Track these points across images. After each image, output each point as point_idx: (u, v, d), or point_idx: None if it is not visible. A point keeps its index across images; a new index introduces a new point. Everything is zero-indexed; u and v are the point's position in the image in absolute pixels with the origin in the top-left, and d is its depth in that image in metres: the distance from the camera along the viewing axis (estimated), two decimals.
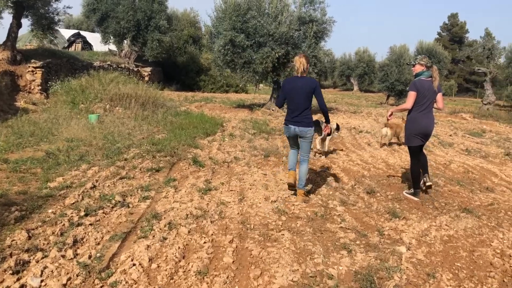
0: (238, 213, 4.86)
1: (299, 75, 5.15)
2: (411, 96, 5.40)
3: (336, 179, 6.71)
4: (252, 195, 5.51)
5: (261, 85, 29.53)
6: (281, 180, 6.42)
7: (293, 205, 5.25)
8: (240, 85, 23.13)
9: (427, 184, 5.90)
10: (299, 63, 5.09)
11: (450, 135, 13.31)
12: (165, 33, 24.94)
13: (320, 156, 8.58)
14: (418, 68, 5.51)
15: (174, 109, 14.41)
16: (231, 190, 5.71)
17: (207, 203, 5.15)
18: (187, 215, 4.71)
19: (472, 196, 6.27)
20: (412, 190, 5.88)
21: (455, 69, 53.03)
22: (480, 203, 5.90)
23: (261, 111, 17.08)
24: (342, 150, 9.61)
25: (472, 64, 57.87)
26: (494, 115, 19.85)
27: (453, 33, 58.76)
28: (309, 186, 6.16)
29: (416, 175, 5.76)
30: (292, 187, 5.43)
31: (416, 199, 5.75)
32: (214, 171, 6.88)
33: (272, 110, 17.41)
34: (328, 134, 8.83)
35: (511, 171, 8.36)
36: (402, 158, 9.01)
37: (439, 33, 60.77)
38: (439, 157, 9.27)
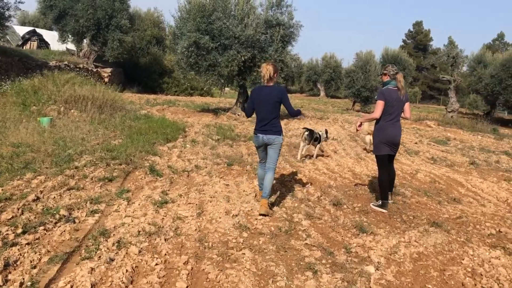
0: (195, 229, 4.53)
1: (265, 82, 5.09)
2: (379, 105, 5.38)
3: (302, 189, 6.50)
4: (212, 209, 5.19)
5: (227, 88, 29.26)
6: (244, 191, 6.13)
7: (256, 219, 4.98)
8: (205, 89, 22.77)
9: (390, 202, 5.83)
10: (266, 70, 5.01)
11: (416, 143, 13.45)
12: (127, 32, 24.30)
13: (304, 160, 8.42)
14: (384, 78, 5.53)
15: (134, 112, 13.88)
16: (189, 203, 5.37)
17: (162, 218, 4.80)
18: (139, 231, 4.34)
19: (440, 208, 6.20)
20: (380, 202, 5.80)
21: (419, 76, 54.65)
22: (449, 215, 5.83)
23: (227, 115, 16.77)
24: (328, 156, 9.49)
25: (436, 72, 59.88)
26: (458, 123, 20.33)
27: (418, 40, 60.59)
28: (273, 198, 5.92)
29: (384, 185, 5.69)
30: (265, 216, 5.08)
31: (384, 211, 5.66)
32: (173, 181, 6.52)
33: (238, 115, 17.14)
34: (315, 140, 8.98)
35: (477, 181, 8.42)
36: (368, 167, 8.93)
37: (404, 41, 62.51)
38: (405, 166, 9.26)
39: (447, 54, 22.58)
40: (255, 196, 5.83)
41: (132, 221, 4.65)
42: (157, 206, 5.16)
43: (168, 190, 5.97)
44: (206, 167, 7.47)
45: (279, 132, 5.10)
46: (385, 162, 5.63)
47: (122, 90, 24.30)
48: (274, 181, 6.02)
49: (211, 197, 5.65)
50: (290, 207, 5.58)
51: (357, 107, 30.26)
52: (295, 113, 5.19)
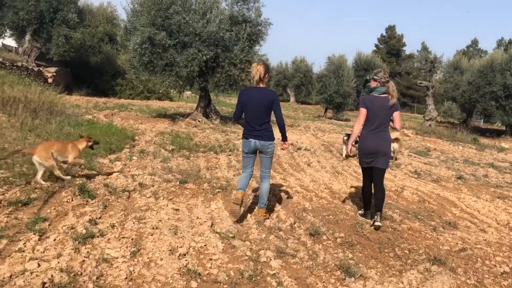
0: (125, 278, 3.50)
1: (255, 84, 5.03)
2: (361, 113, 5.29)
3: (271, 214, 5.58)
4: (153, 246, 4.16)
5: (188, 92, 28.14)
6: (198, 218, 5.13)
7: (211, 259, 3.99)
8: (161, 91, 21.61)
9: (376, 224, 5.38)
10: (256, 70, 4.96)
11: (396, 159, 12.81)
12: (75, 28, 22.89)
13: None
14: (372, 84, 5.37)
15: (76, 117, 12.62)
16: (123, 237, 4.32)
17: (83, 260, 3.73)
18: (44, 284, 3.28)
19: (437, 237, 5.40)
20: (363, 211, 5.82)
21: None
22: (449, 247, 5.03)
23: (185, 122, 15.74)
24: (301, 170, 8.55)
25: (410, 78, 60.93)
26: (436, 132, 20.11)
27: (391, 45, 61.42)
28: (233, 226, 4.95)
29: (366, 196, 5.69)
30: (238, 205, 5.05)
31: (367, 220, 5.62)
32: (107, 204, 5.43)
33: (199, 121, 16.16)
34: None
35: (470, 199, 7.76)
36: (347, 182, 8.13)
37: (376, 45, 63.25)
38: (388, 182, 8.51)
39: (424, 59, 22.39)
40: (211, 226, 4.85)
41: (38, 266, 3.56)
42: (79, 242, 4.09)
43: (99, 217, 4.89)
44: (153, 186, 6.42)
45: (272, 137, 5.07)
46: (367, 174, 5.55)
47: (69, 93, 22.84)
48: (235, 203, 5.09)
49: (154, 228, 4.61)
50: (256, 240, 4.62)
51: (329, 113, 29.85)
52: (282, 124, 5.07)
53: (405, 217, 6.15)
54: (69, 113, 12.86)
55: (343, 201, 6.62)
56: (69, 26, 22.11)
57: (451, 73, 27.64)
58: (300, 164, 9.82)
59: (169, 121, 16.00)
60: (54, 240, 4.13)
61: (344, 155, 11.37)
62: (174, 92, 19.95)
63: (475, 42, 58.59)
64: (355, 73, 32.66)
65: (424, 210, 6.78)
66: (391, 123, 5.40)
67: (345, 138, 10.78)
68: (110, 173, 6.97)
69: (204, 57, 14.43)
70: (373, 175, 5.47)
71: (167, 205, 5.47)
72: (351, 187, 7.79)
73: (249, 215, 5.50)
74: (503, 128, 29.30)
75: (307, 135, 15.99)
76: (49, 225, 4.57)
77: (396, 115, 5.35)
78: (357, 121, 5.33)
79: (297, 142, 13.31)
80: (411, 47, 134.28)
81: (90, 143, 6.60)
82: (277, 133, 5.19)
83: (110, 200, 5.61)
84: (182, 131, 13.34)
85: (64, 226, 4.51)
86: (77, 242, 4.09)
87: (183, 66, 14.47)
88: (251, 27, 15.50)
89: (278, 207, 5.91)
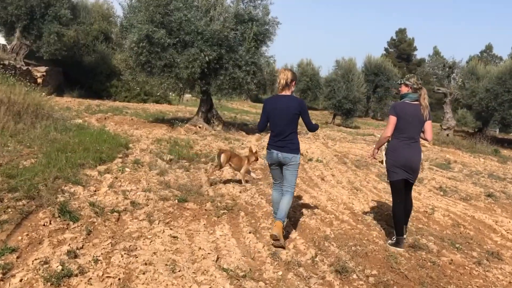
0: None
1: (280, 90, 4.91)
2: (391, 121, 5.12)
3: (289, 243, 4.88)
4: None
5: (188, 95, 27.52)
6: (200, 249, 4.42)
7: None
8: (159, 93, 20.94)
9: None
10: (283, 75, 4.87)
11: None
12: (68, 25, 22.33)
13: None
14: (403, 89, 5.23)
15: (65, 122, 11.94)
16: (108, 276, 3.60)
17: None
18: None
19: (485, 274, 4.70)
20: (394, 239, 5.27)
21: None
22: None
23: (185, 128, 15.07)
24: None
25: (423, 84, 60.28)
26: (455, 142, 19.44)
27: (401, 49, 60.88)
28: (243, 260, 4.25)
29: (398, 219, 5.21)
30: (277, 240, 4.71)
31: (399, 249, 5.11)
32: (92, 229, 4.73)
33: (199, 127, 15.49)
34: None
35: (509, 223, 7.06)
36: (369, 201, 7.43)
37: (386, 49, 62.79)
38: (415, 201, 7.78)
39: (442, 64, 21.74)
40: (216, 260, 4.14)
41: None
42: (52, 284, 3.39)
43: (81, 247, 4.18)
44: (147, 205, 5.72)
45: (296, 150, 4.94)
46: (400, 190, 5.22)
47: (60, 94, 22.22)
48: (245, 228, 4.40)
49: (146, 264, 3.89)
50: (272, 280, 3.92)
51: (338, 120, 29.19)
52: (315, 129, 5.13)
53: (442, 246, 5.46)
54: (57, 116, 12.18)
55: (368, 226, 5.93)
56: (62, 23, 21.50)
57: (467, 79, 26.97)
58: (313, 178, 9.12)
59: (167, 127, 15.33)
60: (21, 280, 3.43)
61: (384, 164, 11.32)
62: (173, 95, 19.30)
63: (489, 48, 57.93)
64: (365, 78, 32.03)
65: (461, 237, 6.10)
66: (422, 134, 5.22)
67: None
68: (98, 189, 6.28)
69: (206, 57, 13.79)
70: (406, 188, 5.29)
71: (163, 231, 4.76)
72: (374, 207, 7.09)
73: (261, 244, 4.79)
74: None
75: (317, 144, 15.29)
76: (17, 258, 3.87)
77: (428, 125, 5.16)
78: (386, 129, 5.16)
79: (307, 152, 12.62)
80: (422, 52, 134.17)
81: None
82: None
83: (96, 224, 4.91)
84: (181, 138, 12.66)
85: (36, 259, 3.81)
86: (49, 284, 3.39)
87: (183, 67, 13.84)
88: (257, 26, 14.85)
89: (294, 234, 5.20)
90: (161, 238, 4.58)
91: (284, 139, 4.90)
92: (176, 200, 5.99)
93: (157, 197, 6.10)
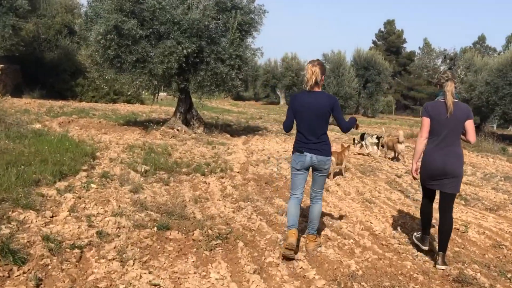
0: None
1: (308, 88, 4.79)
2: (424, 124, 4.93)
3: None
4: None
5: (163, 93, 26.47)
6: None
7: None
8: (130, 92, 19.90)
9: (439, 267, 4.76)
10: (311, 71, 4.73)
11: None
12: (26, 18, 21.12)
13: None
14: (439, 87, 5.04)
15: (20, 127, 10.83)
16: None
17: None
18: None
19: None
20: (420, 234, 5.34)
21: (393, 83, 54.24)
22: None
23: (161, 131, 14.06)
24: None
25: (411, 78, 60.22)
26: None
27: (390, 42, 60.76)
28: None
29: (426, 218, 5.25)
30: (291, 250, 4.55)
31: (424, 248, 5.16)
32: (44, 277, 3.72)
33: (177, 130, 14.51)
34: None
35: None
36: (387, 217, 6.59)
37: (374, 42, 62.60)
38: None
39: (443, 55, 21.16)
40: None
41: None
42: None
43: None
44: (119, 236, 4.73)
45: (330, 152, 4.91)
46: (429, 192, 5.18)
47: (18, 94, 21.00)
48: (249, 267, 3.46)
49: None
50: None
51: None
52: (349, 127, 4.97)
53: (493, 278, 4.63)
54: (10, 121, 11.06)
55: (398, 253, 5.05)
56: (18, 15, 20.30)
57: (465, 72, 26.58)
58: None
59: (141, 130, 14.30)
60: None
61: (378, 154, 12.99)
62: (147, 93, 18.27)
63: (482, 39, 57.94)
64: (355, 72, 31.46)
65: (506, 261, 5.30)
66: (462, 136, 4.94)
67: (373, 140, 12.95)
68: (56, 214, 5.26)
69: (184, 51, 12.86)
70: (440, 201, 5.05)
71: (140, 277, 3.77)
72: (395, 225, 6.24)
73: (269, 279, 3.85)
74: None
75: None
76: None
77: (469, 124, 4.85)
78: (420, 134, 4.94)
79: None
80: (411, 44, 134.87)
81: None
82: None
83: (50, 267, 3.90)
84: (157, 144, 11.65)
85: None
86: None
87: (158, 62, 12.90)
88: (242, 15, 13.99)
89: (311, 271, 4.25)
90: (137, 285, 3.60)
91: (317, 141, 4.77)
92: (156, 228, 5.00)
93: (131, 223, 5.10)
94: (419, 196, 8.48)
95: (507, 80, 25.41)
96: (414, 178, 5.18)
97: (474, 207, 8.15)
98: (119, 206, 5.73)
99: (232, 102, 41.22)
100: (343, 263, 4.47)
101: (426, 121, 4.85)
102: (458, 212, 7.43)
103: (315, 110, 4.74)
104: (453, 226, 6.32)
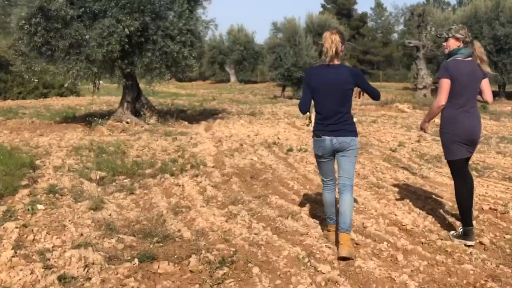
0: None
1: (328, 60, 4.39)
2: (444, 85, 4.74)
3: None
4: None
5: (102, 81, 25.11)
6: None
7: None
8: (66, 84, 18.53)
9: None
10: (330, 41, 4.34)
11: (418, 141, 10.85)
12: None
13: None
14: (452, 44, 4.93)
15: None
16: None
17: None
18: None
19: None
20: (461, 230, 4.82)
21: (348, 48, 54.27)
22: None
23: (108, 125, 13.00)
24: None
25: (366, 42, 60.46)
26: None
27: (340, 4, 60.75)
28: None
29: (466, 205, 4.83)
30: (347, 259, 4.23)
31: (469, 243, 4.63)
32: None
33: (127, 122, 13.48)
34: None
35: None
36: (408, 204, 5.89)
37: (323, 6, 62.34)
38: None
39: (410, 12, 20.90)
40: None
41: None
42: None
43: None
44: (90, 278, 3.73)
45: (354, 131, 4.57)
46: (464, 169, 4.95)
47: None
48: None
49: None
50: None
51: (289, 92, 27.93)
52: (379, 95, 4.73)
53: None
54: None
55: (448, 254, 4.33)
56: None
57: (435, 28, 26.59)
58: (309, 176, 7.45)
59: (83, 127, 13.18)
60: None
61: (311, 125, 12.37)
62: (86, 82, 17.01)
63: None
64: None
65: None
66: (479, 97, 4.96)
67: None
68: None
69: (126, 29, 11.94)
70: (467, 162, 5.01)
71: None
72: (419, 213, 5.55)
73: None
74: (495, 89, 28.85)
75: (283, 125, 13.76)
76: None
77: (486, 84, 4.92)
78: (439, 97, 4.77)
79: (278, 139, 10.97)
80: (362, 5, 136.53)
81: None
82: None
83: None
84: (107, 141, 10.59)
85: None
86: None
87: (96, 45, 11.95)
88: None
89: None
90: None
91: (337, 122, 4.45)
92: (137, 260, 4.03)
93: (102, 256, 4.10)
94: (425, 171, 7.98)
95: (473, 34, 25.38)
96: (424, 131, 5.23)
97: (489, 177, 7.63)
98: (81, 233, 4.71)
99: (177, 84, 39.88)
100: (396, 280, 3.67)
101: (447, 83, 4.66)
102: (478, 186, 6.84)
103: (337, 86, 4.43)
104: (489, 207, 5.79)
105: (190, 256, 4.06)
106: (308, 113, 14.30)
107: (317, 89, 4.48)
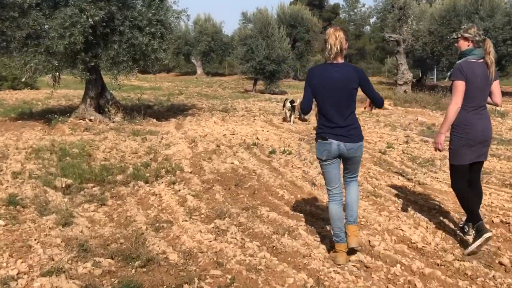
0: None
1: (331, 58, 4.34)
2: (459, 87, 4.71)
3: None
4: None
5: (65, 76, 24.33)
6: None
7: None
8: (24, 79, 17.72)
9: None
10: (334, 38, 4.32)
11: (406, 142, 10.69)
12: None
13: None
14: (462, 44, 4.94)
15: None
16: None
17: None
18: None
19: None
20: (474, 230, 4.74)
21: (320, 41, 54.40)
22: None
23: (70, 123, 12.45)
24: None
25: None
26: (418, 99, 18.71)
27: None
28: None
29: (473, 205, 4.90)
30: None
31: (488, 234, 4.57)
32: None
33: (90, 120, 12.92)
34: None
35: None
36: (412, 217, 5.65)
37: None
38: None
39: (391, 5, 20.80)
40: None
41: None
42: None
43: None
44: None
45: (361, 135, 4.57)
46: (466, 173, 4.96)
47: None
48: None
49: None
50: None
51: (261, 86, 27.59)
52: (383, 102, 4.77)
53: None
54: None
55: (469, 278, 4.07)
56: None
57: (416, 22, 26.68)
58: (297, 183, 7.15)
59: (42, 125, 12.56)
60: None
61: (291, 122, 13.50)
62: (42, 77, 16.23)
63: None
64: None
65: None
66: (489, 99, 4.98)
67: (288, 105, 13.40)
68: None
69: (90, 19, 11.39)
70: (471, 173, 4.99)
71: None
72: (427, 227, 5.31)
73: None
74: None
75: (260, 123, 13.44)
76: None
77: (496, 86, 4.95)
78: (454, 100, 4.72)
79: (257, 139, 10.63)
80: None
81: None
82: None
83: None
84: (70, 142, 10.05)
85: None
86: None
87: (56, 36, 11.37)
88: None
89: None
90: None
91: (344, 124, 4.42)
92: None
93: (77, 286, 3.69)
94: (421, 177, 7.79)
95: (451, 28, 25.52)
96: (439, 150, 5.04)
97: (489, 183, 7.46)
98: (50, 256, 4.26)
99: (139, 76, 38.89)
100: None
101: (462, 85, 4.65)
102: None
103: (341, 86, 4.37)
104: (499, 219, 5.60)
105: (182, 286, 3.68)
106: (288, 104, 14.03)
107: (322, 89, 4.43)
